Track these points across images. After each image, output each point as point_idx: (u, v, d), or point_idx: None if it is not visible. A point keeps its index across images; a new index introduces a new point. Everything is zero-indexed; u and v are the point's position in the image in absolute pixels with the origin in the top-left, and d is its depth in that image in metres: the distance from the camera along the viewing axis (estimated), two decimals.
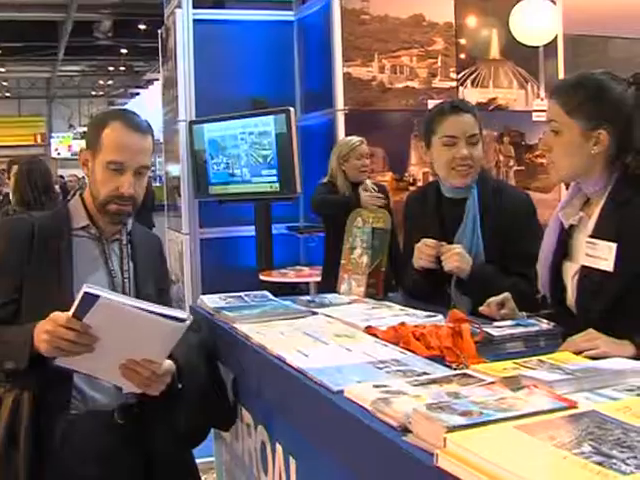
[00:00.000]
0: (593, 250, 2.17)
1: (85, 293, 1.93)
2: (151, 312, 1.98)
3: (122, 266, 2.40)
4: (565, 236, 2.34)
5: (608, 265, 2.11)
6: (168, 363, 2.18)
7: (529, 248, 2.63)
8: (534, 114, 6.98)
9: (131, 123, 2.36)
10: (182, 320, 2.01)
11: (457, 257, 2.74)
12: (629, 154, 2.18)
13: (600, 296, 2.15)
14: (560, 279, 2.34)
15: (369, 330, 2.26)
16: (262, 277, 6.39)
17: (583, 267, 2.21)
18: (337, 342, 2.14)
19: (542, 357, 1.80)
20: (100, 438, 2.27)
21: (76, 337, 1.98)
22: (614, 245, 2.11)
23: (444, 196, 2.96)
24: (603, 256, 2.14)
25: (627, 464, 1.13)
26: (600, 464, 1.13)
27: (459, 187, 2.89)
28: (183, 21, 6.82)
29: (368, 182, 5.72)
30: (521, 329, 2.15)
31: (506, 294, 2.48)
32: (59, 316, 1.99)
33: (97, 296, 1.93)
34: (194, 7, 6.84)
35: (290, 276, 6.42)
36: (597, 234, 2.19)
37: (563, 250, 2.34)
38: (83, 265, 2.32)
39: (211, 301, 2.81)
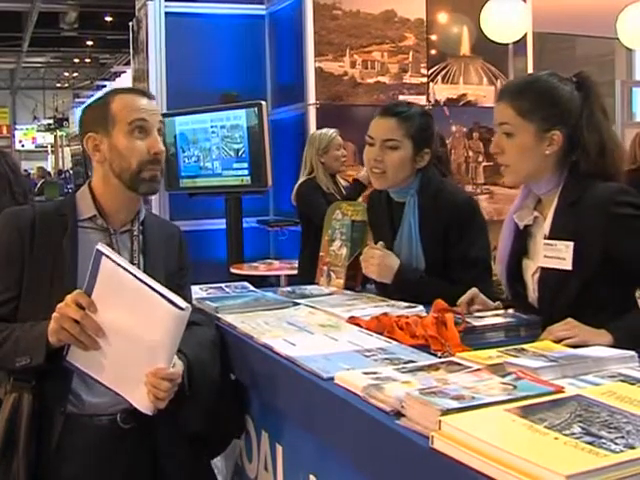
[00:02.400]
0: (551, 251, 2.21)
1: (97, 250, 1.90)
2: (152, 288, 1.87)
3: (132, 260, 2.21)
4: (522, 235, 2.38)
5: (567, 264, 2.16)
6: (177, 362, 2.00)
7: (467, 252, 2.70)
8: None
9: (136, 90, 2.30)
10: (181, 308, 1.85)
11: (374, 269, 2.75)
12: (576, 153, 2.22)
13: (561, 294, 2.20)
14: (520, 277, 2.40)
15: (352, 320, 2.31)
16: (233, 270, 6.40)
17: (542, 268, 2.26)
18: (322, 331, 2.19)
19: (524, 346, 1.86)
20: (100, 443, 2.15)
21: (82, 317, 1.90)
22: (571, 244, 2.16)
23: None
24: (561, 256, 2.18)
25: (616, 443, 1.19)
26: (591, 444, 1.19)
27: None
28: (155, 14, 6.84)
29: (339, 178, 5.73)
30: (501, 319, 2.20)
31: (473, 289, 2.45)
32: (72, 293, 1.93)
33: (103, 253, 1.89)
34: (166, 0, 6.85)
35: (261, 269, 6.43)
36: (553, 235, 2.23)
37: (521, 249, 2.39)
38: (88, 259, 2.05)
39: (192, 292, 2.84)
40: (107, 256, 1.91)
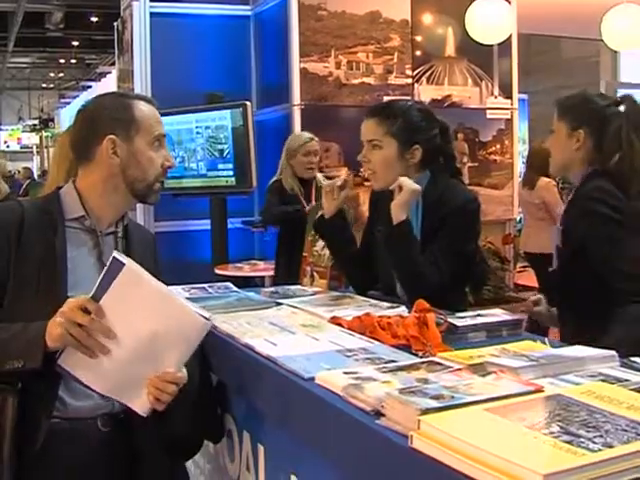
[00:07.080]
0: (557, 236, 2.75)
1: (113, 258, 1.85)
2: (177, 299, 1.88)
3: None
4: None
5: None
6: (182, 367, 1.99)
7: (446, 244, 2.68)
8: (488, 111, 7.11)
9: (150, 100, 2.25)
10: (206, 318, 1.89)
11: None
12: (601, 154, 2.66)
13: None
14: None
15: (334, 320, 2.30)
16: (217, 271, 6.39)
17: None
18: (304, 331, 2.18)
19: (505, 346, 1.87)
20: (82, 446, 2.10)
21: (89, 322, 1.84)
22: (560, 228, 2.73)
23: None
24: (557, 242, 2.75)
25: (594, 442, 1.19)
26: (569, 443, 1.19)
27: None
28: (140, 14, 6.83)
29: (319, 176, 5.72)
30: (483, 319, 2.21)
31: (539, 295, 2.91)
32: (77, 298, 1.89)
33: (123, 262, 1.85)
34: (151, 0, 6.84)
35: (245, 270, 6.42)
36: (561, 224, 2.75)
37: None
38: (75, 259, 2.11)
39: (174, 292, 2.83)
40: (129, 265, 1.87)
